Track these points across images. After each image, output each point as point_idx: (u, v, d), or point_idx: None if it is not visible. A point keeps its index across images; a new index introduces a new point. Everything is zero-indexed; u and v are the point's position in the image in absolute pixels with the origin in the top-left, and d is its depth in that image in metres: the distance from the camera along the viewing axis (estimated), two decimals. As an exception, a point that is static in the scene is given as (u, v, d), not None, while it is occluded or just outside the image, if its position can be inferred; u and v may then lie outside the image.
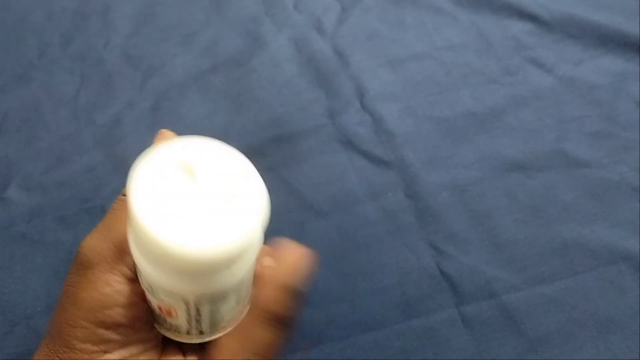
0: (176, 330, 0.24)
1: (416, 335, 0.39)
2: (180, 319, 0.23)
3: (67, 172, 0.47)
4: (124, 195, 0.24)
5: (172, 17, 0.58)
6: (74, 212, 0.44)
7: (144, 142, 0.51)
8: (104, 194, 0.46)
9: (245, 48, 0.54)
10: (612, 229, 0.41)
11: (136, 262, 0.21)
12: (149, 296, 0.23)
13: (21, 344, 0.39)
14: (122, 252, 0.23)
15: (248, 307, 0.24)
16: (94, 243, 0.23)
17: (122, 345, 0.23)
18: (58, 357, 0.22)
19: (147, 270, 0.20)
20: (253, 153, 0.52)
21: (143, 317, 0.24)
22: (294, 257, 0.24)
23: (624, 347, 0.37)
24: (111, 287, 0.23)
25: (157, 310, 0.23)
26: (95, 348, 0.22)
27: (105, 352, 0.23)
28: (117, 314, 0.23)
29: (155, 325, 0.25)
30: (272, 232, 0.42)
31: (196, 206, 0.20)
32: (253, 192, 0.21)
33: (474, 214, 0.43)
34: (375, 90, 0.50)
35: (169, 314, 0.23)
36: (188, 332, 0.24)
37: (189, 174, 0.21)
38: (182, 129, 0.50)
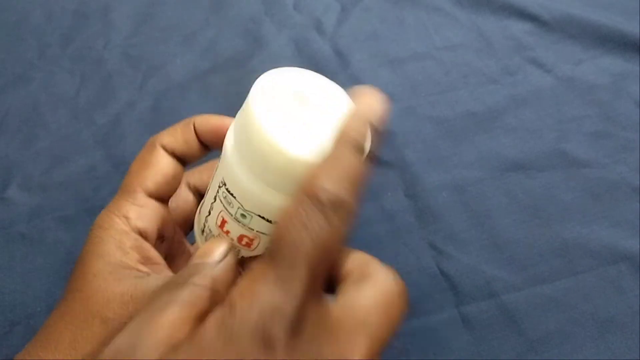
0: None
1: (416, 335, 0.39)
2: (259, 248, 0.23)
3: (67, 172, 0.47)
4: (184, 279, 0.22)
5: (172, 17, 0.58)
6: (74, 212, 0.44)
7: (144, 142, 0.51)
8: (104, 194, 0.46)
9: (245, 48, 0.54)
10: (612, 229, 0.41)
11: (234, 186, 0.22)
12: (231, 226, 0.23)
13: (21, 344, 0.39)
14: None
15: None
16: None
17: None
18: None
19: (251, 193, 0.21)
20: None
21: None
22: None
23: (624, 347, 0.37)
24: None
25: (235, 242, 0.23)
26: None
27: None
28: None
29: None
30: (272, 232, 0.42)
31: (312, 128, 0.21)
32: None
33: (474, 214, 0.43)
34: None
35: (249, 244, 0.23)
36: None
37: (301, 100, 0.22)
38: (182, 129, 0.50)
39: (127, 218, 0.25)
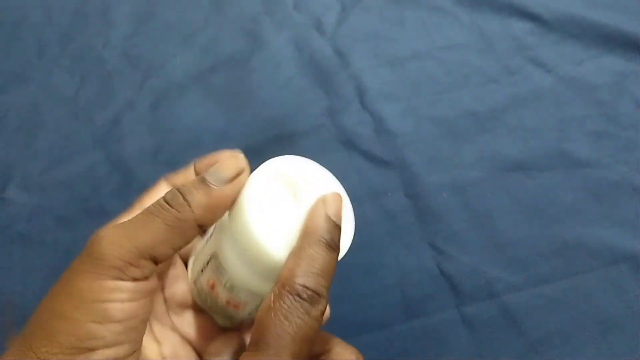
0: (230, 319, 0.27)
1: (417, 336, 0.39)
2: (246, 311, 0.26)
3: (67, 172, 0.47)
4: (165, 201, 0.23)
5: (172, 17, 0.58)
6: (73, 212, 0.44)
7: (144, 142, 0.51)
8: (104, 194, 0.45)
9: (245, 48, 0.54)
10: (613, 229, 0.41)
11: (226, 263, 0.24)
12: (219, 290, 0.25)
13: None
14: (141, 256, 0.22)
15: None
16: (116, 239, 0.22)
17: (109, 344, 0.22)
18: (33, 352, 0.21)
19: (240, 275, 0.23)
20: (253, 153, 0.52)
21: (140, 315, 0.23)
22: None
23: (624, 347, 0.37)
24: (115, 283, 0.22)
25: (222, 302, 0.25)
26: (79, 344, 0.21)
27: (90, 350, 0.21)
28: (114, 308, 0.22)
29: (203, 306, 0.27)
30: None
31: (299, 225, 0.23)
32: (347, 217, 0.26)
33: (475, 214, 0.43)
34: (376, 90, 0.50)
35: (237, 307, 0.25)
36: (241, 322, 0.27)
37: (293, 194, 0.24)
38: (182, 129, 0.50)
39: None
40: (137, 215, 0.23)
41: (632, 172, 0.43)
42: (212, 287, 0.25)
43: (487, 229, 0.42)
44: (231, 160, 0.25)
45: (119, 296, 0.22)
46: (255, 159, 0.52)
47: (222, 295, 0.25)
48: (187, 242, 0.23)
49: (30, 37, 0.57)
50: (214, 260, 0.25)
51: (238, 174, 0.25)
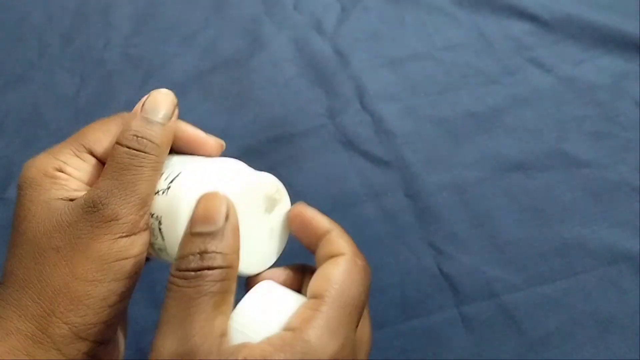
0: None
1: (416, 335, 0.39)
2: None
3: (67, 172, 0.47)
4: (136, 149, 0.25)
5: (172, 17, 0.58)
6: (74, 212, 0.44)
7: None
8: (104, 194, 0.45)
9: (245, 48, 0.54)
10: (612, 229, 0.41)
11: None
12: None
13: (21, 344, 0.39)
14: (144, 206, 0.25)
15: None
16: (123, 196, 0.24)
17: (123, 298, 0.24)
18: (57, 317, 0.23)
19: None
20: (253, 153, 0.52)
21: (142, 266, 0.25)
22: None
23: (624, 347, 0.37)
24: (131, 239, 0.24)
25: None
26: (102, 303, 0.24)
27: (110, 306, 0.24)
28: (130, 263, 0.24)
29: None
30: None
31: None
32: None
33: (474, 214, 0.43)
34: (375, 90, 0.50)
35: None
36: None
37: (270, 206, 0.26)
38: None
39: (64, 164, 0.26)
40: (116, 169, 0.24)
41: (632, 172, 0.43)
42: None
43: (486, 229, 0.42)
44: (165, 97, 0.26)
45: (133, 251, 0.24)
46: (255, 159, 0.53)
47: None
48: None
49: (30, 37, 0.57)
50: (154, 219, 0.26)
51: (175, 109, 0.27)
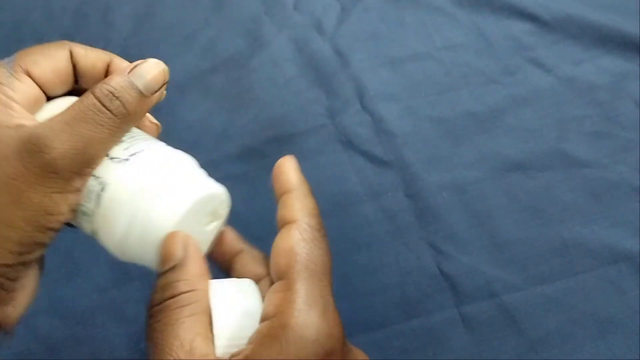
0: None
1: (416, 335, 0.39)
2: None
3: (67, 172, 0.47)
4: (102, 104, 0.24)
5: (172, 17, 0.58)
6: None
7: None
8: (104, 194, 0.45)
9: (245, 48, 0.54)
10: (612, 229, 0.41)
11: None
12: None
13: (21, 344, 0.39)
14: (87, 166, 0.23)
15: None
16: (67, 149, 0.23)
17: (43, 248, 0.24)
18: None
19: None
20: (253, 153, 0.52)
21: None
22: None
23: (624, 347, 0.37)
24: (62, 196, 0.23)
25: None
26: (21, 249, 0.23)
27: (28, 252, 0.23)
28: (57, 219, 0.23)
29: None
30: (272, 232, 0.42)
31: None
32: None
33: (474, 214, 0.43)
34: (375, 90, 0.50)
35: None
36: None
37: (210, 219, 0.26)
38: (182, 129, 0.50)
39: (1, 84, 0.24)
40: (76, 116, 0.23)
41: (632, 172, 0.43)
42: None
43: (486, 228, 0.42)
44: (162, 72, 0.25)
45: (62, 208, 0.23)
46: (255, 159, 0.53)
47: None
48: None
49: (31, 37, 0.57)
50: (93, 179, 0.25)
51: (163, 86, 0.25)
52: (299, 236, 0.23)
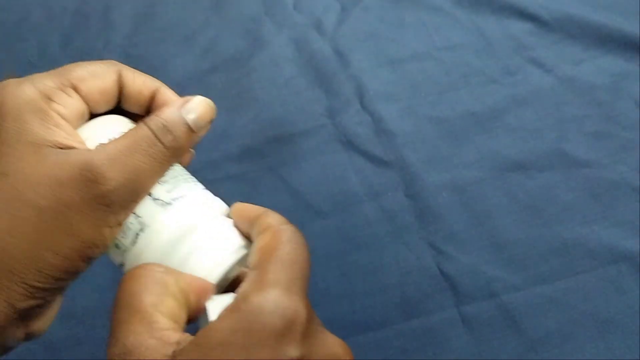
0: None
1: (416, 335, 0.39)
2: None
3: (67, 172, 0.47)
4: (155, 135, 0.24)
5: (172, 17, 0.58)
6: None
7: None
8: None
9: (245, 48, 0.54)
10: (612, 229, 0.41)
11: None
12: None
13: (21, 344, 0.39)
14: (135, 199, 0.23)
15: None
16: (115, 184, 0.22)
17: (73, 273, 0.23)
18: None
19: None
20: (253, 153, 0.52)
21: None
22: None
23: (624, 347, 0.37)
24: (110, 229, 0.23)
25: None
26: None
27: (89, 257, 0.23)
28: (97, 252, 0.23)
29: None
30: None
31: None
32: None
33: (474, 214, 0.43)
34: (375, 90, 0.50)
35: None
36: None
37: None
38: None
39: (50, 99, 0.23)
40: (130, 147, 0.23)
41: (632, 172, 0.43)
42: None
43: (486, 228, 0.42)
44: (210, 109, 0.25)
45: (107, 241, 0.23)
46: (255, 159, 0.53)
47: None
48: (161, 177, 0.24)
49: (31, 37, 0.57)
50: (132, 217, 0.25)
51: (209, 122, 0.25)
52: (277, 234, 0.22)
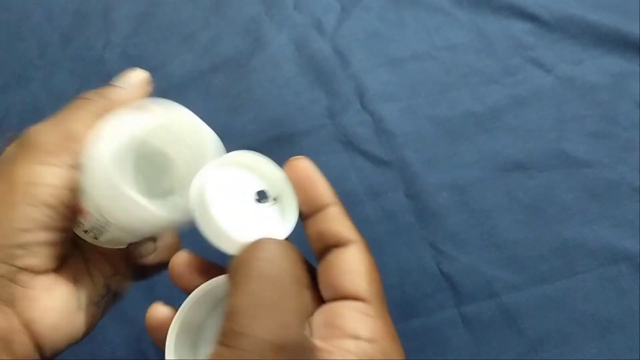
0: (77, 225, 0.26)
1: (416, 335, 0.39)
2: (87, 222, 0.25)
3: (67, 172, 0.47)
4: (88, 97, 0.25)
5: (172, 17, 0.58)
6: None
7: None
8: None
9: (245, 48, 0.54)
10: (613, 229, 0.41)
11: (84, 170, 0.23)
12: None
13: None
14: (72, 140, 0.24)
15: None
16: (47, 128, 0.24)
17: (43, 227, 0.23)
18: None
19: (90, 187, 0.23)
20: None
21: (70, 206, 0.24)
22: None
23: (624, 347, 0.37)
24: (47, 167, 0.23)
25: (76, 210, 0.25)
26: (14, 225, 0.22)
27: (25, 230, 0.22)
28: (46, 192, 0.23)
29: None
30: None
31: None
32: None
33: (474, 214, 0.43)
34: (375, 90, 0.50)
35: (83, 215, 0.25)
36: (86, 232, 0.26)
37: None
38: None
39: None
40: (64, 109, 0.25)
41: (632, 172, 0.43)
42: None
43: (486, 228, 0.42)
44: (136, 74, 0.27)
45: (51, 181, 0.23)
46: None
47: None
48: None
49: (31, 37, 0.57)
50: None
51: (141, 82, 0.27)
52: (366, 259, 0.23)
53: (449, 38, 0.52)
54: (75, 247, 0.26)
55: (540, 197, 0.43)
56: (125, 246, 0.28)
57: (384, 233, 0.43)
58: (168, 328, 0.23)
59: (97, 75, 0.53)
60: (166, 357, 0.23)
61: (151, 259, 0.28)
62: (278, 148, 0.48)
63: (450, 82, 0.50)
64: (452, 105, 0.48)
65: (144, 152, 0.25)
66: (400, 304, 0.40)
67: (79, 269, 0.26)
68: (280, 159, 0.47)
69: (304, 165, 0.26)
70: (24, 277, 0.23)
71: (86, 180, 0.23)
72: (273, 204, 0.26)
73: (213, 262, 0.25)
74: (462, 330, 0.39)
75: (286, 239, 0.24)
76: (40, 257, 0.23)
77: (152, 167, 0.26)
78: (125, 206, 0.23)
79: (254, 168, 0.27)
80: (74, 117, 0.24)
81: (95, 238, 0.26)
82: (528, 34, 0.51)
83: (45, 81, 0.53)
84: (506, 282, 0.40)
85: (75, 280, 0.25)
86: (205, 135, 0.26)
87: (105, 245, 0.27)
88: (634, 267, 0.39)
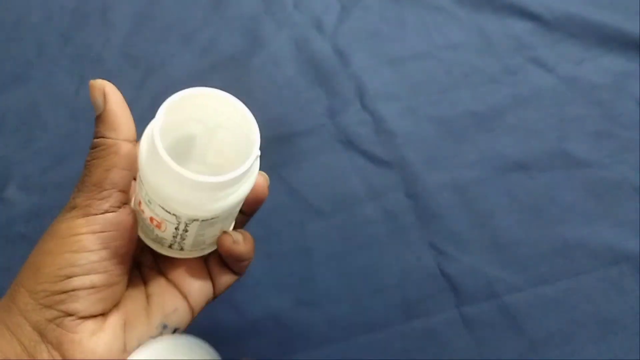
0: (160, 242, 0.27)
1: (417, 336, 0.39)
2: (167, 232, 0.26)
3: (66, 172, 0.47)
4: (94, 147, 0.26)
5: (172, 17, 0.58)
6: (73, 212, 0.44)
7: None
8: (104, 194, 0.45)
9: (245, 47, 0.54)
10: (614, 229, 0.41)
11: (143, 175, 0.25)
12: (144, 207, 0.26)
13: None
14: (102, 189, 0.25)
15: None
16: (83, 191, 0.26)
17: (86, 272, 0.25)
18: (22, 286, 0.25)
19: (155, 186, 0.24)
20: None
21: (114, 246, 0.25)
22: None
23: (625, 347, 0.37)
24: (86, 218, 0.25)
25: (148, 221, 0.26)
26: (59, 272, 0.24)
27: (68, 277, 0.24)
28: (87, 238, 0.25)
29: (140, 235, 0.28)
30: (273, 232, 0.42)
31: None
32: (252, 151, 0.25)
33: (475, 214, 0.43)
34: (376, 90, 0.50)
35: (159, 226, 0.26)
36: (170, 246, 0.27)
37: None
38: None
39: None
40: (88, 168, 0.26)
41: (632, 172, 0.43)
42: (139, 204, 0.27)
43: (487, 229, 0.42)
44: (95, 89, 0.29)
45: (91, 228, 0.25)
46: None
47: (146, 211, 0.26)
48: (130, 163, 0.26)
49: (29, 36, 0.57)
50: (138, 180, 0.26)
51: (105, 95, 0.28)
52: None
53: (450, 37, 0.52)
54: (140, 283, 0.28)
55: (541, 197, 0.43)
56: (210, 249, 0.29)
57: (385, 233, 0.43)
58: None
59: (96, 74, 0.53)
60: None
61: (242, 247, 0.28)
62: (278, 148, 0.47)
63: (451, 81, 0.50)
64: (452, 105, 0.48)
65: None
66: (401, 305, 0.40)
67: (135, 309, 0.27)
68: (280, 159, 0.47)
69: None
70: (70, 322, 0.24)
71: (150, 185, 0.24)
72: None
73: None
74: (463, 331, 0.39)
75: None
76: (85, 302, 0.25)
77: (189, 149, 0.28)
78: (195, 191, 0.23)
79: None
80: (93, 170, 0.26)
81: (182, 249, 0.27)
82: (529, 33, 0.51)
83: (44, 81, 0.53)
84: (507, 282, 0.40)
85: (128, 321, 0.26)
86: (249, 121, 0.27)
87: (193, 255, 0.28)
88: (635, 268, 0.39)
